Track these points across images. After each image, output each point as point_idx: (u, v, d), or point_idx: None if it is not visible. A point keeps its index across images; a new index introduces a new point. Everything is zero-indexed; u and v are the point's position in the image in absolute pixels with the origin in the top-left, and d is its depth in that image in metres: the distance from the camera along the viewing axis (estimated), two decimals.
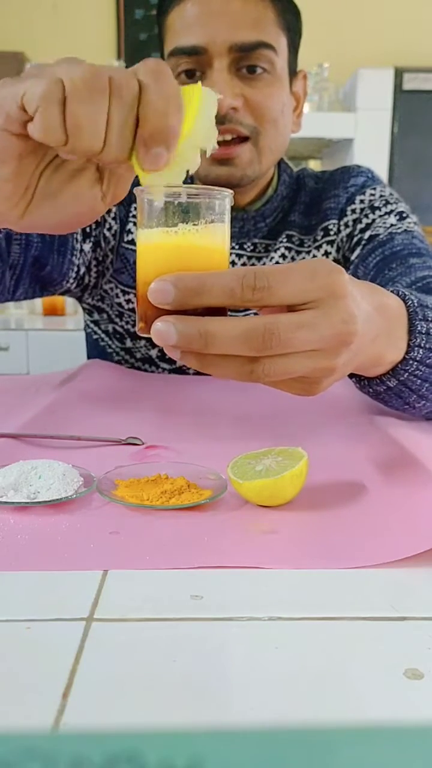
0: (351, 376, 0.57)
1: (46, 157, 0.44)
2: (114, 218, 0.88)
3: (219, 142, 0.78)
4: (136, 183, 0.42)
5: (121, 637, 0.29)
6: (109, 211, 0.87)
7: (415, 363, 0.52)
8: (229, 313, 0.41)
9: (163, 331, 0.38)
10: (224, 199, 0.42)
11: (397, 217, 0.87)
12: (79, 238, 0.83)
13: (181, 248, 0.41)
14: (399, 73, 2.40)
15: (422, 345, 0.52)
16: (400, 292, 0.53)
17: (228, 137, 0.78)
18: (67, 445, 0.56)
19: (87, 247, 0.85)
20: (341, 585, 0.34)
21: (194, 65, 0.78)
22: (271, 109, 0.79)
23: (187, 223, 0.41)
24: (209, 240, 0.41)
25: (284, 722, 0.24)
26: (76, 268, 0.84)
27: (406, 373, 0.53)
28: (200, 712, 0.24)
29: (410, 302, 0.52)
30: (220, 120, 0.77)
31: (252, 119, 0.79)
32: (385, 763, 0.14)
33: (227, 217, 0.43)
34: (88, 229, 0.85)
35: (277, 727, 0.15)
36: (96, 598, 0.32)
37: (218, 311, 0.40)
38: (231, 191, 0.42)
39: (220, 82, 0.76)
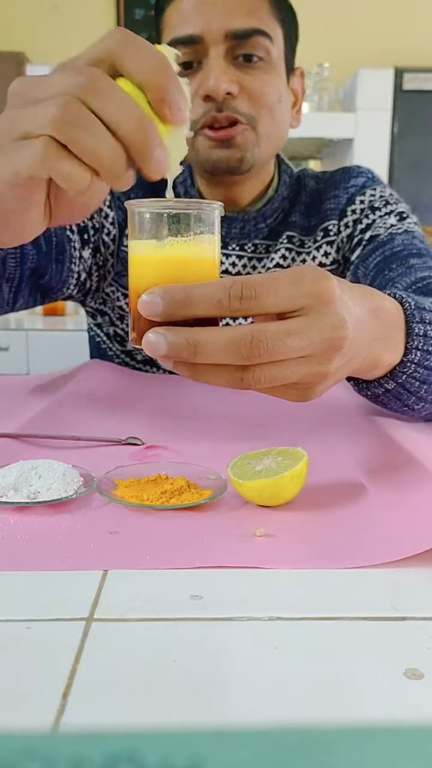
0: (349, 379, 0.57)
1: None
2: (112, 223, 0.89)
3: (217, 128, 0.79)
4: (128, 197, 0.42)
5: (121, 637, 0.29)
6: (106, 216, 0.88)
7: (413, 365, 0.52)
8: (226, 322, 0.42)
9: (153, 342, 0.39)
10: (213, 212, 0.42)
11: (398, 218, 0.87)
12: (77, 245, 0.84)
13: (171, 260, 0.41)
14: (399, 73, 2.40)
15: (420, 347, 0.52)
16: (397, 295, 0.53)
17: (225, 124, 0.78)
18: (67, 445, 0.56)
19: (86, 253, 0.86)
20: (341, 585, 0.34)
21: (191, 55, 0.78)
22: (267, 96, 0.80)
23: (176, 236, 0.41)
24: (199, 252, 0.42)
25: (284, 722, 0.24)
26: (76, 275, 0.85)
27: (404, 376, 0.53)
28: (200, 712, 0.24)
29: (407, 304, 0.52)
30: (218, 107, 0.77)
31: (249, 106, 0.79)
32: (385, 763, 0.14)
33: (217, 229, 0.43)
34: (86, 236, 0.85)
35: (277, 727, 0.15)
36: (96, 598, 0.32)
37: (210, 322, 0.40)
38: (221, 203, 0.43)
39: (216, 69, 0.76)
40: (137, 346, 0.42)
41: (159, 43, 0.84)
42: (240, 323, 0.53)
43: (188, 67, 0.79)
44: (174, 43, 0.78)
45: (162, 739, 0.14)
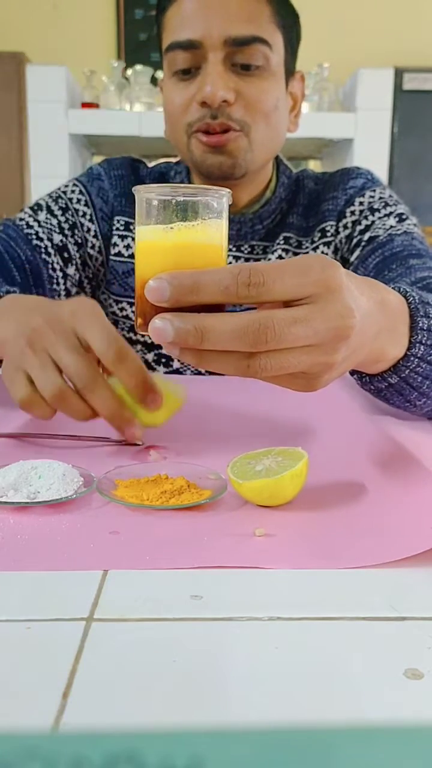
0: (352, 373, 0.57)
1: None
2: (95, 236, 0.91)
3: (211, 134, 0.79)
4: (134, 182, 0.42)
5: (121, 637, 0.29)
6: (88, 230, 0.90)
7: (417, 359, 0.52)
8: (229, 310, 0.41)
9: (160, 328, 0.38)
10: (222, 198, 0.42)
11: (397, 219, 0.87)
12: (58, 266, 0.87)
13: (179, 247, 0.41)
14: (399, 73, 2.40)
15: (423, 341, 0.52)
16: (401, 289, 0.53)
17: (219, 131, 0.78)
18: (67, 445, 0.56)
19: (71, 270, 0.88)
20: (341, 585, 0.34)
21: (190, 61, 0.78)
22: (263, 103, 0.79)
23: (184, 222, 0.41)
24: (207, 238, 0.42)
25: (284, 722, 0.24)
26: (63, 292, 0.87)
27: (408, 370, 0.53)
28: (200, 712, 0.24)
29: (411, 298, 0.52)
30: (213, 114, 0.77)
31: (244, 113, 0.79)
32: (385, 763, 0.14)
33: (225, 216, 0.43)
34: (67, 255, 0.88)
35: (277, 727, 0.15)
36: (96, 598, 0.32)
37: (217, 309, 0.40)
38: (229, 190, 0.43)
39: (214, 75, 0.76)
40: (143, 333, 0.42)
41: (160, 41, 0.84)
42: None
43: (187, 72, 0.79)
44: (174, 47, 0.78)
45: (162, 739, 0.14)
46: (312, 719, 0.24)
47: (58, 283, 0.86)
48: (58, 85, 2.36)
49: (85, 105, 2.47)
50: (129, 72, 2.51)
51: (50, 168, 2.42)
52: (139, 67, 2.50)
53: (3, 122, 2.47)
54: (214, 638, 0.29)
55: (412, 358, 0.52)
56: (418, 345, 0.52)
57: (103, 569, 0.35)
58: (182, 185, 0.42)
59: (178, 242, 0.41)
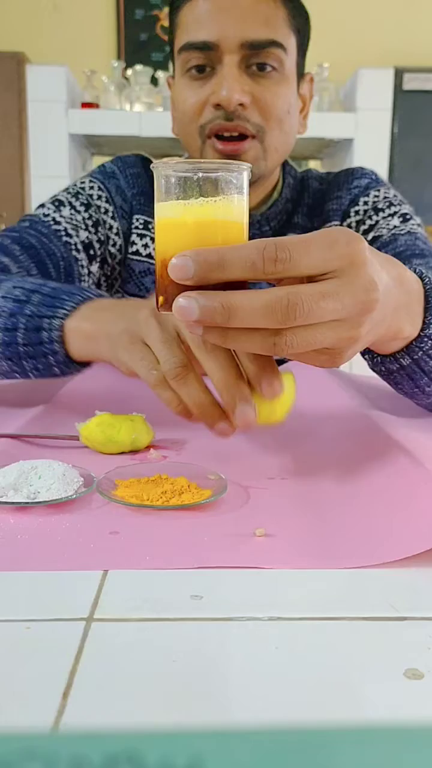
0: (364, 353, 0.57)
1: None
2: (117, 233, 0.90)
3: (226, 138, 0.79)
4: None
5: (121, 637, 0.29)
6: (110, 228, 0.89)
7: (430, 341, 0.52)
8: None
9: (185, 307, 0.37)
10: (242, 173, 0.42)
11: (401, 219, 0.87)
12: (85, 263, 0.86)
13: (201, 223, 0.40)
14: (399, 73, 2.40)
15: None
16: (417, 270, 0.53)
17: (235, 134, 0.78)
18: (67, 445, 0.56)
19: (94, 268, 0.88)
20: (341, 585, 0.34)
21: (205, 61, 0.78)
22: (278, 108, 0.79)
23: (206, 198, 0.40)
24: (229, 214, 0.41)
25: (284, 722, 0.24)
26: None
27: (420, 351, 0.53)
28: (200, 712, 0.24)
29: (427, 279, 0.52)
30: (228, 116, 0.77)
31: (259, 117, 0.79)
32: (385, 763, 0.14)
33: (246, 191, 0.42)
34: (92, 252, 0.87)
35: (277, 727, 0.15)
36: (96, 598, 0.32)
37: (239, 286, 0.39)
38: (249, 165, 0.42)
39: (230, 77, 0.76)
40: (165, 313, 0.41)
41: (172, 39, 0.83)
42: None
43: (201, 70, 0.79)
44: (188, 47, 0.78)
45: (162, 739, 0.14)
46: (312, 719, 0.24)
47: (84, 281, 0.85)
48: (58, 85, 2.36)
49: (85, 105, 2.47)
50: (129, 72, 2.51)
51: (50, 168, 2.42)
52: (139, 67, 2.50)
53: (3, 122, 2.47)
54: (214, 638, 0.29)
55: (426, 339, 0.52)
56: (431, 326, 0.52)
57: (103, 569, 0.35)
58: (202, 160, 0.41)
59: (200, 218, 0.40)
